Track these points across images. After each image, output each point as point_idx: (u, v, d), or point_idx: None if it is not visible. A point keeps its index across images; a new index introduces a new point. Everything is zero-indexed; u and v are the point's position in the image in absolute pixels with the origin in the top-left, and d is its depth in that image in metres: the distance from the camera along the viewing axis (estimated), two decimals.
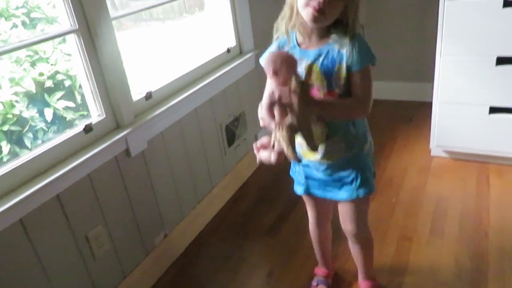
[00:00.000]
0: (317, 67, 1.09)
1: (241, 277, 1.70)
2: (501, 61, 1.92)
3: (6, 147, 1.50)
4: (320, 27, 1.07)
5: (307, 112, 1.04)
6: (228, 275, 1.72)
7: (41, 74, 1.62)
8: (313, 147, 1.07)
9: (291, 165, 1.34)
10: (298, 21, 1.09)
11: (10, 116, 1.53)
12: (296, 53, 1.12)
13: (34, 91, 1.58)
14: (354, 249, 1.43)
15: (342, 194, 1.24)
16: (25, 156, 1.26)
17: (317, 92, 1.11)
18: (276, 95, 1.01)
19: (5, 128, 1.51)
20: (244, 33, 2.16)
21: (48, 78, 1.64)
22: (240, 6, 2.11)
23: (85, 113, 1.58)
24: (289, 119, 1.02)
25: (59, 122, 1.66)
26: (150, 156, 1.65)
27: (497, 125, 2.04)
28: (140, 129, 1.55)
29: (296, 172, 1.32)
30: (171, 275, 1.75)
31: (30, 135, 1.58)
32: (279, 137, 1.04)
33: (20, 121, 1.55)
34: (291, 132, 1.03)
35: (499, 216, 1.82)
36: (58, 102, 1.63)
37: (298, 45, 1.13)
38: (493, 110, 2.02)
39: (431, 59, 2.08)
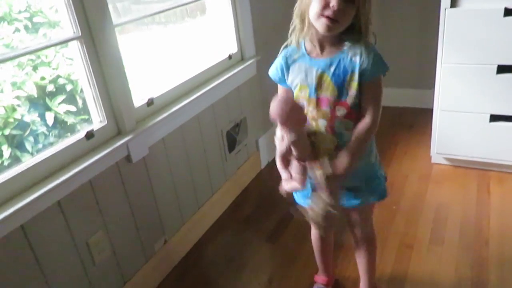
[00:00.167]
0: (327, 76, 1.09)
1: (241, 283, 1.70)
2: (502, 69, 1.93)
3: (7, 151, 1.50)
4: (333, 34, 1.06)
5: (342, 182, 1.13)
6: (229, 281, 1.71)
7: (42, 78, 1.62)
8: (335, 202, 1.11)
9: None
10: (309, 31, 1.09)
11: (11, 120, 1.53)
12: (306, 62, 1.12)
13: (36, 95, 1.58)
14: (359, 252, 1.43)
15: (354, 202, 1.22)
16: (27, 163, 1.26)
17: (327, 102, 1.11)
18: (285, 144, 1.09)
19: (7, 132, 1.51)
20: (245, 39, 2.17)
21: (50, 82, 1.64)
22: (241, 12, 2.11)
23: (86, 117, 1.58)
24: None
25: (60, 126, 1.66)
26: (151, 162, 1.65)
27: (498, 133, 2.04)
28: (141, 136, 1.56)
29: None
30: (171, 281, 1.75)
31: (31, 139, 1.58)
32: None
33: (21, 125, 1.55)
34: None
35: (500, 224, 1.82)
36: (59, 106, 1.63)
37: (308, 53, 1.13)
38: (494, 118, 2.03)
39: (432, 66, 2.08)
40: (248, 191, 2.29)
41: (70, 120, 1.66)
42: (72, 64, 1.59)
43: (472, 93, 2.03)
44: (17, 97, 1.55)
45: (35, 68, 1.62)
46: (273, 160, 1.23)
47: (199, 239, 1.95)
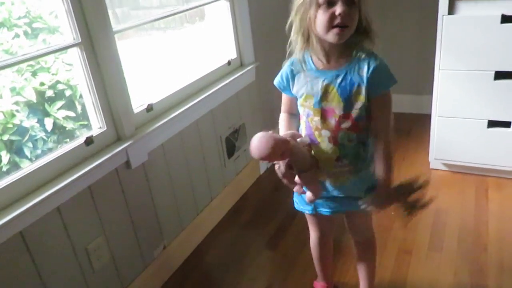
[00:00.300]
0: (333, 88, 1.08)
1: None
2: (499, 75, 1.94)
3: (5, 157, 1.49)
4: (343, 42, 1.04)
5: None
6: (228, 287, 1.71)
7: (42, 84, 1.62)
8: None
9: (295, 197, 1.33)
10: (318, 45, 1.07)
11: (10, 125, 1.53)
12: (312, 72, 1.11)
13: (35, 101, 1.58)
14: (359, 258, 1.44)
15: (354, 206, 1.22)
16: (27, 168, 1.26)
17: (332, 113, 1.10)
18: (282, 170, 1.12)
19: (5, 137, 1.51)
20: (244, 45, 2.18)
21: (49, 87, 1.64)
22: (241, 18, 2.12)
23: (86, 123, 1.58)
24: None
25: (59, 132, 1.66)
26: (150, 168, 1.65)
27: (496, 139, 2.05)
28: (140, 141, 1.56)
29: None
30: (170, 287, 1.74)
31: (30, 144, 1.57)
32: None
33: (20, 130, 1.55)
34: None
35: (498, 229, 1.82)
36: (58, 112, 1.63)
37: (314, 64, 1.11)
38: (492, 124, 2.04)
39: (430, 72, 2.09)
40: (247, 196, 2.29)
41: (69, 125, 1.66)
42: (72, 70, 1.59)
43: (470, 99, 2.04)
44: (16, 103, 1.55)
45: (34, 73, 1.62)
46: (272, 165, 1.23)
47: (198, 245, 1.95)
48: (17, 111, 1.54)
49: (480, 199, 2.03)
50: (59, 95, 1.66)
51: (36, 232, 1.24)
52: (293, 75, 1.15)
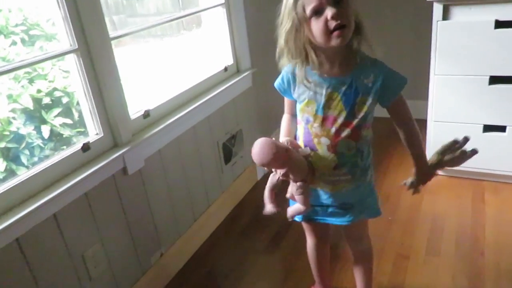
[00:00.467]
0: (338, 95, 1.08)
1: None
2: (494, 80, 1.96)
3: (2, 164, 1.49)
4: (345, 44, 1.02)
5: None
6: None
7: (39, 91, 1.62)
8: None
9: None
10: (314, 59, 1.05)
11: (7, 133, 1.53)
12: (316, 78, 1.10)
13: (32, 108, 1.58)
14: (356, 265, 1.43)
15: (345, 220, 1.22)
16: (23, 175, 1.25)
17: (333, 121, 1.10)
18: (278, 176, 1.14)
19: (2, 145, 1.51)
20: (241, 51, 2.19)
21: (46, 94, 1.64)
22: (237, 24, 2.13)
23: (83, 130, 1.58)
24: None
25: (56, 138, 1.66)
26: (147, 174, 1.65)
27: (492, 143, 2.06)
28: (137, 148, 1.56)
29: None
30: None
31: (27, 152, 1.57)
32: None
33: (17, 138, 1.55)
34: None
35: (495, 233, 1.83)
36: (55, 119, 1.63)
37: (317, 71, 1.09)
38: (487, 128, 2.05)
39: (426, 78, 2.11)
40: (245, 203, 2.28)
41: (66, 132, 1.66)
42: (68, 77, 1.59)
43: (465, 104, 2.05)
44: (13, 110, 1.55)
45: (31, 81, 1.62)
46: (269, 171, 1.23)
47: (195, 252, 1.94)
48: (13, 118, 1.55)
49: (477, 203, 2.04)
50: (56, 102, 1.66)
51: (33, 239, 1.24)
52: (294, 79, 1.13)
